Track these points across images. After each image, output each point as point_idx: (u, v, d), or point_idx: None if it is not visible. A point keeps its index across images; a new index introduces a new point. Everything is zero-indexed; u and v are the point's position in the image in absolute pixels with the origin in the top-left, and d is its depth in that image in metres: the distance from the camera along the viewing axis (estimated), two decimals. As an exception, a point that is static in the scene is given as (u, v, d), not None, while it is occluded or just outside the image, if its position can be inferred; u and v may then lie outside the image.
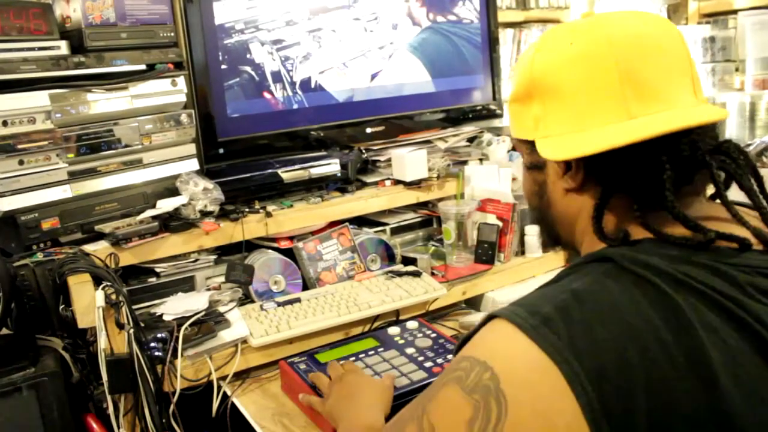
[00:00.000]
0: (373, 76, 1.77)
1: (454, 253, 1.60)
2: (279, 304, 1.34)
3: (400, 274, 1.48)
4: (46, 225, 1.23)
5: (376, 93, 1.78)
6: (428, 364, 1.13)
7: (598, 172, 0.68)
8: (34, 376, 1.04)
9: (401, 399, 0.99)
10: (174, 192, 1.39)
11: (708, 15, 2.46)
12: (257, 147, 1.60)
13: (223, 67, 1.53)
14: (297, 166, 1.56)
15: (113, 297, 1.12)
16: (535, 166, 0.76)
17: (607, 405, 0.52)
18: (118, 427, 1.09)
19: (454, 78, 1.92)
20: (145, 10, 1.35)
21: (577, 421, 0.52)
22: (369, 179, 1.69)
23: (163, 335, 1.17)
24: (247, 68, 1.57)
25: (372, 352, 1.19)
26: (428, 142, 1.77)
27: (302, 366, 1.15)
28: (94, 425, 1.14)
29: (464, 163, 1.76)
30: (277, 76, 1.61)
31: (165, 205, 1.33)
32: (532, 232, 1.66)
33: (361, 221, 1.65)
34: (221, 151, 1.54)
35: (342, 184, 1.65)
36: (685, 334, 0.55)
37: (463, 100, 1.95)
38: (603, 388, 0.52)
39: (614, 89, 0.66)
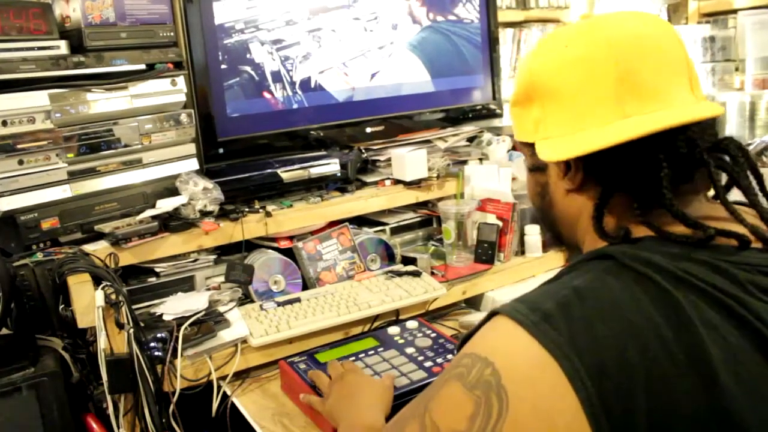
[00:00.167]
0: (373, 76, 1.77)
1: (454, 252, 1.60)
2: (279, 304, 1.34)
3: (399, 274, 1.48)
4: (46, 225, 1.23)
5: (376, 93, 1.78)
6: (428, 364, 1.13)
7: (597, 171, 0.69)
8: (34, 376, 1.04)
9: (401, 399, 0.99)
10: (174, 192, 1.39)
11: (708, 15, 2.46)
12: (257, 147, 1.60)
13: (223, 66, 1.53)
14: (297, 166, 1.56)
15: (113, 297, 1.12)
16: (537, 167, 0.77)
17: (607, 401, 0.52)
18: (118, 427, 1.09)
19: (453, 78, 1.92)
20: (145, 10, 1.35)
21: (577, 417, 0.52)
22: (369, 179, 1.69)
23: (163, 335, 1.17)
24: (247, 68, 1.57)
25: (372, 351, 1.19)
26: (428, 141, 1.77)
27: (302, 366, 1.15)
28: (94, 425, 1.14)
29: (464, 162, 1.76)
30: (277, 76, 1.61)
31: (165, 205, 1.33)
32: (532, 231, 1.66)
33: (361, 221, 1.65)
34: (221, 150, 1.54)
35: (342, 183, 1.65)
36: (686, 332, 0.55)
37: (463, 99, 1.95)
38: (603, 385, 0.53)
39: (611, 90, 0.66)
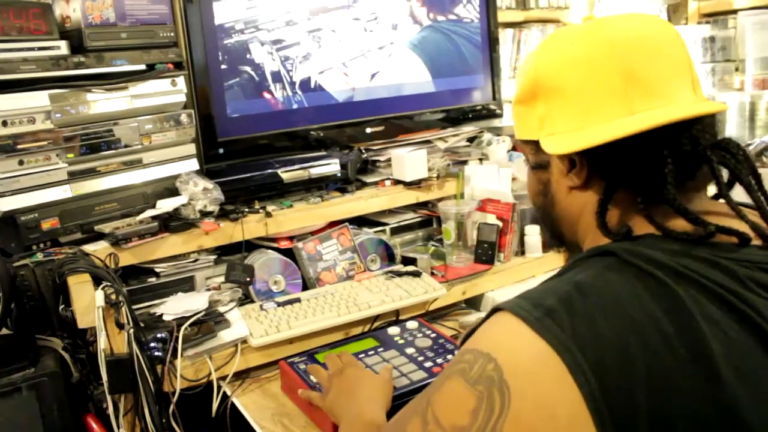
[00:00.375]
0: (373, 76, 1.77)
1: (454, 253, 1.60)
2: (279, 304, 1.34)
3: (400, 274, 1.48)
4: (46, 225, 1.23)
5: (376, 93, 1.78)
6: (428, 364, 1.13)
7: (602, 167, 0.69)
8: (34, 376, 1.04)
9: (401, 399, 0.98)
10: (174, 192, 1.39)
11: (708, 15, 2.46)
12: (257, 147, 1.60)
13: (223, 67, 1.53)
14: (297, 166, 1.56)
15: (113, 297, 1.12)
16: (540, 165, 0.77)
17: (609, 395, 0.53)
18: (118, 427, 1.09)
19: (454, 78, 1.92)
20: (145, 10, 1.35)
21: (579, 411, 0.53)
22: (369, 179, 1.69)
23: (163, 335, 1.17)
24: (247, 68, 1.57)
25: (372, 352, 1.19)
26: (428, 142, 1.77)
27: (302, 366, 1.15)
28: (94, 425, 1.14)
29: (464, 163, 1.76)
30: (277, 76, 1.61)
31: (165, 205, 1.33)
32: (532, 232, 1.66)
33: (361, 221, 1.65)
34: (221, 151, 1.54)
35: (342, 184, 1.65)
36: (687, 327, 0.56)
37: (463, 100, 1.96)
38: (605, 379, 0.53)
39: (617, 87, 0.67)
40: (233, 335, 1.24)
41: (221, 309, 1.31)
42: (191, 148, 1.44)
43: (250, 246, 1.46)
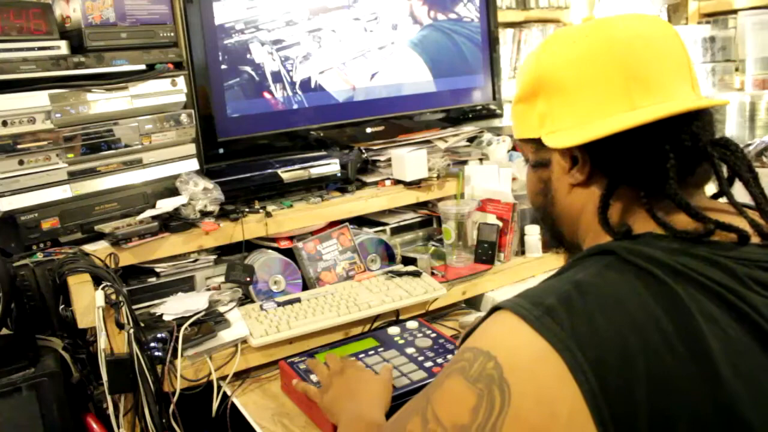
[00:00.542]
0: (373, 76, 1.77)
1: (454, 253, 1.60)
2: (279, 304, 1.34)
3: (400, 274, 1.48)
4: (46, 225, 1.23)
5: (376, 93, 1.78)
6: (428, 364, 1.13)
7: (605, 162, 0.69)
8: (34, 376, 1.04)
9: (401, 399, 0.98)
10: (174, 192, 1.39)
11: (708, 15, 2.46)
12: (257, 147, 1.60)
13: (223, 67, 1.53)
14: (297, 166, 1.56)
15: (113, 297, 1.13)
16: (541, 163, 0.77)
17: (609, 393, 0.53)
18: (118, 427, 1.09)
19: (454, 78, 1.92)
20: (145, 10, 1.35)
21: (579, 410, 0.53)
22: (369, 179, 1.69)
23: (163, 335, 1.17)
24: (247, 68, 1.57)
25: (372, 352, 1.19)
26: (428, 142, 1.77)
27: (302, 366, 1.15)
28: (94, 425, 1.14)
29: (464, 163, 1.76)
30: (277, 76, 1.61)
31: (165, 205, 1.33)
32: (532, 232, 1.66)
33: (361, 221, 1.65)
34: (221, 151, 1.54)
35: (342, 184, 1.65)
36: (686, 325, 0.56)
37: (463, 99, 1.95)
38: (604, 377, 0.53)
39: (618, 83, 0.68)
40: (233, 335, 1.24)
41: (221, 309, 1.31)
42: (191, 148, 1.44)
43: (250, 246, 1.46)
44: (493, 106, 2.00)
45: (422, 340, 1.22)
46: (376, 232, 1.62)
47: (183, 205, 1.33)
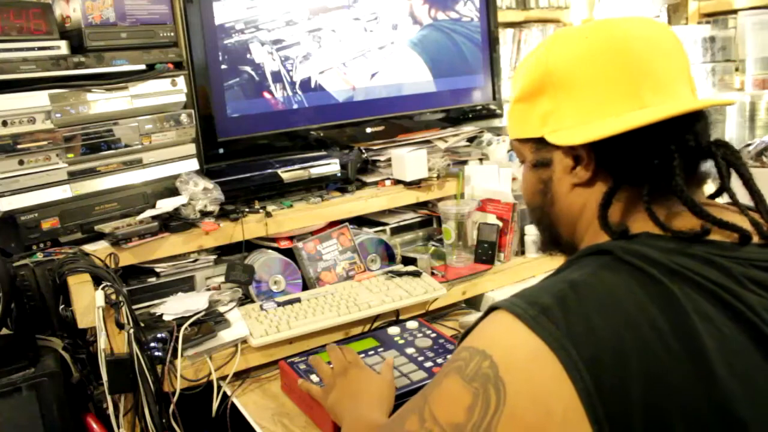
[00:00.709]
0: (373, 76, 1.77)
1: (454, 253, 1.60)
2: (279, 304, 1.34)
3: (400, 274, 1.48)
4: (46, 225, 1.23)
5: (376, 93, 1.78)
6: (428, 364, 1.13)
7: (611, 161, 0.69)
8: (34, 376, 1.04)
9: (401, 399, 0.98)
10: (174, 192, 1.39)
11: (708, 15, 2.46)
12: (257, 147, 1.60)
13: (223, 67, 1.53)
14: (297, 166, 1.56)
15: (113, 297, 1.13)
16: (541, 163, 0.76)
17: (604, 391, 0.53)
18: (118, 427, 1.09)
19: (454, 78, 1.92)
20: (145, 10, 1.35)
21: (574, 408, 0.53)
22: (369, 179, 1.69)
23: (163, 335, 1.17)
24: (247, 68, 1.57)
25: (372, 352, 1.19)
26: (428, 142, 1.77)
27: (302, 366, 1.15)
28: (94, 425, 1.14)
29: (464, 163, 1.76)
30: (277, 76, 1.61)
31: (165, 205, 1.33)
32: (532, 231, 1.66)
33: (361, 221, 1.65)
34: (221, 151, 1.54)
35: (342, 184, 1.65)
36: (681, 323, 0.56)
37: (463, 99, 1.95)
38: (599, 376, 0.54)
39: (628, 81, 0.68)
40: (233, 335, 1.24)
41: (221, 309, 1.31)
42: (191, 148, 1.44)
43: (250, 246, 1.46)
44: (493, 106, 2.00)
45: (422, 340, 1.22)
46: (376, 232, 1.63)
47: (183, 205, 1.33)
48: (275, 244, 1.48)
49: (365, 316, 1.35)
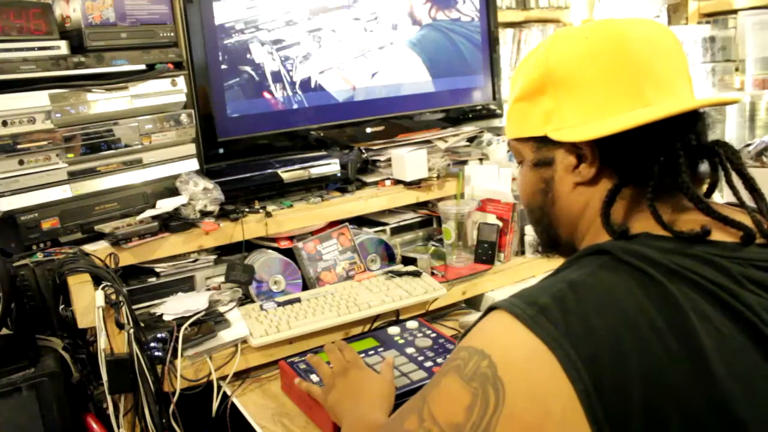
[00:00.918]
0: (373, 76, 1.77)
1: (454, 253, 1.60)
2: (279, 304, 1.34)
3: (400, 274, 1.48)
4: (46, 225, 1.23)
5: (376, 93, 1.78)
6: (428, 364, 1.13)
7: (615, 159, 0.69)
8: (34, 376, 1.04)
9: (401, 399, 0.98)
10: (174, 192, 1.39)
11: (708, 15, 2.46)
12: (257, 147, 1.60)
13: (223, 67, 1.53)
14: (297, 166, 1.56)
15: (113, 297, 1.13)
16: (543, 162, 0.76)
17: (603, 391, 0.53)
18: (118, 427, 1.09)
19: (454, 78, 1.92)
20: (145, 10, 1.35)
21: (573, 407, 0.53)
22: (369, 179, 1.69)
23: (163, 335, 1.17)
24: (247, 68, 1.57)
25: (372, 352, 1.19)
26: (428, 142, 1.77)
27: (302, 366, 1.15)
28: (94, 425, 1.14)
29: (464, 163, 1.76)
30: (277, 76, 1.61)
31: (165, 205, 1.33)
32: (532, 232, 1.65)
33: (361, 221, 1.65)
34: (221, 151, 1.54)
35: (342, 184, 1.65)
36: (679, 323, 0.56)
37: (463, 100, 1.95)
38: (598, 375, 0.54)
39: (631, 79, 0.68)
40: (233, 335, 1.24)
41: (221, 309, 1.31)
42: (191, 148, 1.44)
43: (250, 246, 1.46)
44: (493, 106, 2.00)
45: (422, 340, 1.22)
46: (376, 232, 1.63)
47: (183, 205, 1.33)
48: (275, 244, 1.48)
49: (365, 316, 1.35)
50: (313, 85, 1.67)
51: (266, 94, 1.61)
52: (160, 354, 1.14)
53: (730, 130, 2.31)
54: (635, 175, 0.68)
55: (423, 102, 1.87)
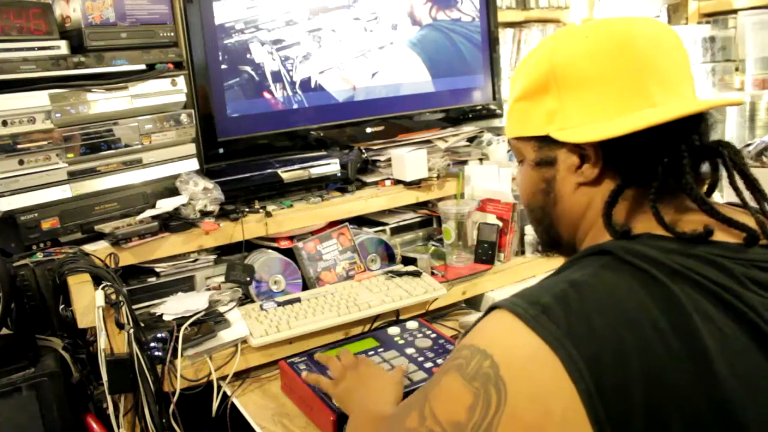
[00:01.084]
0: (373, 76, 1.77)
1: (454, 252, 1.60)
2: (279, 304, 1.34)
3: (400, 274, 1.48)
4: (46, 225, 1.23)
5: (376, 93, 1.78)
6: (428, 365, 1.13)
7: (619, 159, 0.69)
8: (34, 376, 1.04)
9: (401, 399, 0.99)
10: (174, 192, 1.39)
11: (708, 15, 2.46)
12: (257, 147, 1.60)
13: (223, 67, 1.53)
14: (297, 166, 1.56)
15: (113, 297, 1.12)
16: (545, 162, 0.75)
17: (604, 391, 0.53)
18: (118, 427, 1.09)
19: (454, 78, 1.92)
20: (145, 10, 1.35)
21: (574, 407, 0.53)
22: (369, 179, 1.69)
23: (163, 335, 1.17)
24: (247, 68, 1.57)
25: (372, 352, 1.19)
26: (428, 141, 1.77)
27: (302, 366, 1.15)
28: (94, 425, 1.14)
29: (464, 163, 1.76)
30: (277, 76, 1.61)
31: (165, 205, 1.33)
32: (532, 232, 1.65)
33: (361, 221, 1.65)
34: (221, 150, 1.54)
35: (342, 184, 1.65)
36: (682, 323, 0.56)
37: (463, 99, 1.95)
38: (600, 375, 0.53)
39: (636, 79, 0.68)
40: (233, 335, 1.24)
41: (221, 309, 1.31)
42: (191, 148, 1.44)
43: (250, 246, 1.46)
44: (493, 106, 2.00)
45: (422, 340, 1.22)
46: (376, 232, 1.63)
47: (183, 205, 1.33)
48: (275, 244, 1.48)
49: (365, 316, 1.35)
50: (313, 85, 1.67)
51: (266, 94, 1.61)
52: (160, 354, 1.14)
53: (730, 130, 2.31)
54: (638, 176, 0.68)
55: (423, 102, 1.87)
